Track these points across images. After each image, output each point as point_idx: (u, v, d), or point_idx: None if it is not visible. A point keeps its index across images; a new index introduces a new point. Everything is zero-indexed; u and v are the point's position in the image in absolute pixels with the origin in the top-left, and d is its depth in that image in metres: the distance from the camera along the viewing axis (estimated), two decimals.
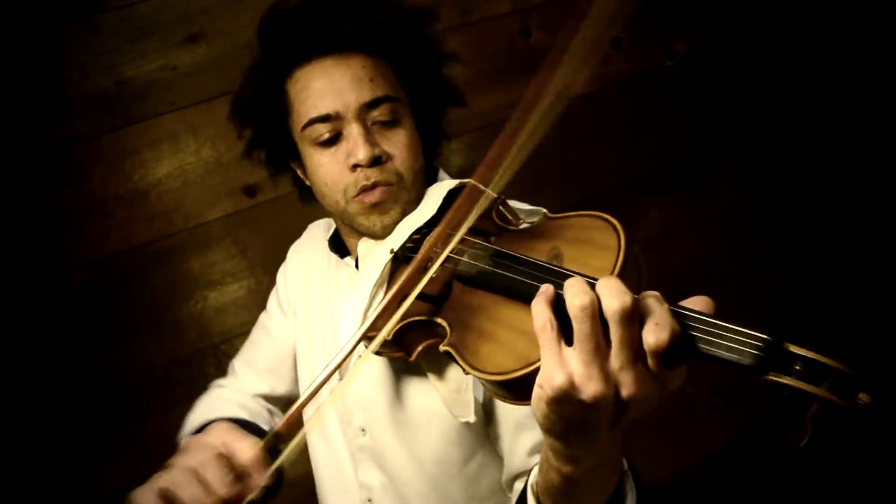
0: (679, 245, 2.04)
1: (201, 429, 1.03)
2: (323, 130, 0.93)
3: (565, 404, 0.53)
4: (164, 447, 1.63)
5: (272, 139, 1.04)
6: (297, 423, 0.74)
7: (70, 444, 1.54)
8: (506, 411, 0.90)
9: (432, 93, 1.04)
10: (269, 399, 1.21)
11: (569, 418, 0.55)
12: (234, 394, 1.19)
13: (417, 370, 0.93)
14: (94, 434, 1.56)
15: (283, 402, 1.21)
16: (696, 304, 0.56)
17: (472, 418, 0.86)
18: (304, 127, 0.94)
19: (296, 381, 1.20)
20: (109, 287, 1.57)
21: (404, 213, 0.96)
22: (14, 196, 1.50)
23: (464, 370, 0.67)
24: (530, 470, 0.82)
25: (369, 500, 1.04)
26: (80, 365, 1.56)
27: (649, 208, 2.01)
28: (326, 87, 0.93)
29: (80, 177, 1.55)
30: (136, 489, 0.70)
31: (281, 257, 1.26)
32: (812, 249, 2.19)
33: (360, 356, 0.78)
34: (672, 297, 0.55)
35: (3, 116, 1.48)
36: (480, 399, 0.89)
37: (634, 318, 0.52)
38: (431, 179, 1.04)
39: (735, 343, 0.52)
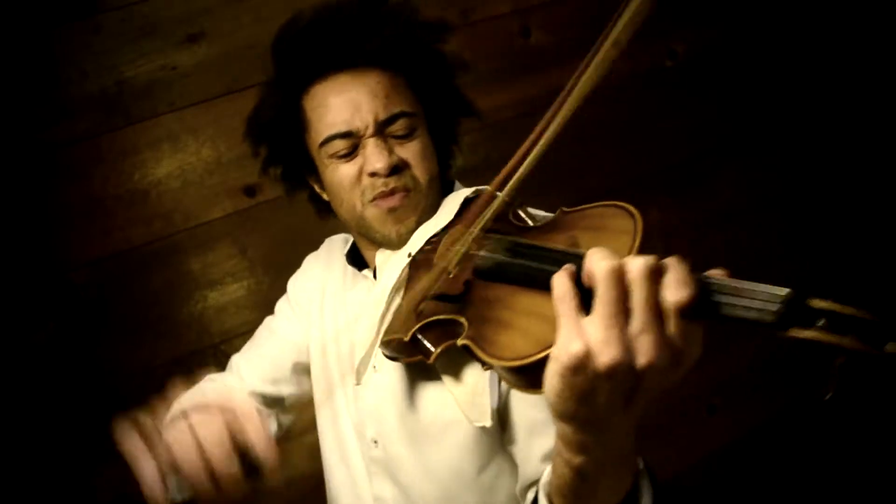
0: (679, 245, 2.04)
1: None
2: (341, 146, 0.95)
3: (580, 375, 0.52)
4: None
5: (288, 156, 1.06)
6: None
7: (70, 443, 1.54)
8: (520, 417, 0.89)
9: (445, 104, 1.06)
10: (262, 399, 1.18)
11: (581, 392, 0.53)
12: (223, 389, 1.17)
13: (431, 378, 0.93)
14: (94, 434, 1.56)
15: (276, 405, 1.20)
16: (713, 274, 0.55)
17: (488, 423, 0.85)
18: (322, 143, 0.96)
19: (293, 382, 1.19)
20: (109, 287, 1.57)
21: (419, 223, 0.97)
22: (14, 196, 1.50)
23: (482, 362, 0.66)
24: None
25: None
26: (80, 365, 1.56)
27: (650, 208, 2.00)
28: (344, 105, 0.94)
29: (80, 177, 1.55)
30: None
31: (281, 257, 1.27)
32: (812, 249, 2.19)
33: (373, 363, 0.78)
34: None
35: (3, 116, 1.48)
36: (495, 405, 0.88)
37: (657, 276, 0.51)
38: (447, 191, 1.05)
39: (755, 300, 0.50)
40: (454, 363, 0.86)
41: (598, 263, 0.52)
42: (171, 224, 1.61)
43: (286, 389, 1.19)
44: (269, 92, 1.04)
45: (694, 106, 2.03)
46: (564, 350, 0.52)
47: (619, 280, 0.51)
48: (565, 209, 0.77)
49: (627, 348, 0.50)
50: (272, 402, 1.19)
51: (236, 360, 1.21)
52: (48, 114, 1.51)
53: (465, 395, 0.86)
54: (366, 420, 1.02)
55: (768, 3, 2.06)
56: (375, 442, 1.01)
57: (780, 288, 0.50)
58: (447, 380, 0.88)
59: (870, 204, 2.22)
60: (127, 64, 1.56)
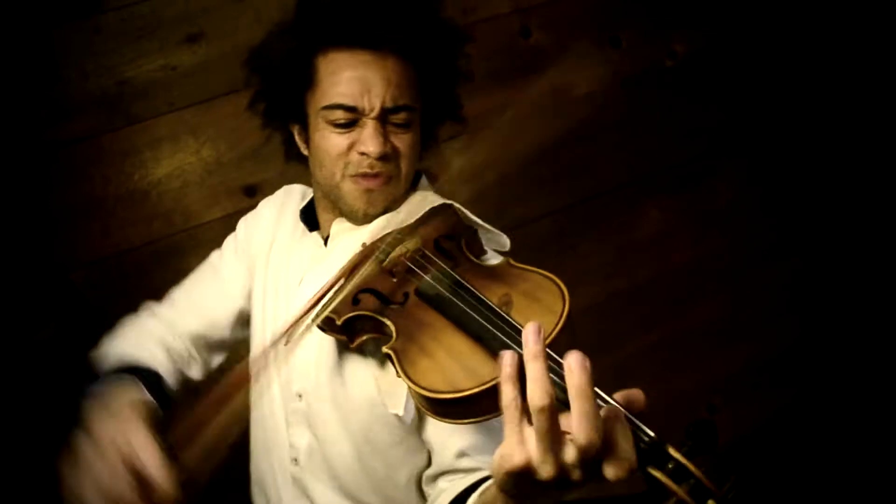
0: (679, 245, 2.04)
1: (118, 371, 1.08)
2: (342, 116, 0.98)
3: (522, 479, 0.59)
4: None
5: (281, 100, 1.07)
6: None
7: (70, 444, 1.54)
8: None
9: (443, 106, 1.11)
10: (196, 341, 1.17)
11: (524, 488, 0.61)
12: (162, 330, 1.15)
13: (361, 354, 0.97)
14: None
15: (208, 348, 1.18)
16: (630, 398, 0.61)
17: (400, 411, 0.90)
18: (326, 107, 0.99)
19: (229, 327, 1.19)
20: (109, 287, 1.58)
21: (387, 210, 1.02)
22: (14, 196, 1.50)
23: (398, 374, 0.74)
24: (457, 471, 0.90)
25: (295, 460, 1.07)
26: (80, 365, 1.56)
27: (649, 208, 2.00)
28: (358, 81, 0.98)
29: (80, 177, 1.55)
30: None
31: None
32: (812, 249, 2.19)
33: (307, 326, 0.88)
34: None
35: (4, 116, 1.48)
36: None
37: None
38: (414, 181, 1.09)
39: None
40: (380, 351, 0.89)
41: (534, 397, 0.56)
42: (171, 224, 1.61)
43: (218, 333, 1.18)
44: (282, 35, 1.04)
45: (694, 106, 2.03)
46: (508, 459, 0.58)
47: (554, 415, 0.56)
48: (511, 262, 0.84)
49: (563, 468, 0.57)
50: (201, 345, 1.18)
51: (176, 294, 1.20)
52: (48, 114, 1.51)
53: (386, 384, 0.91)
54: (293, 375, 1.04)
55: (768, 4, 2.06)
56: (300, 396, 1.04)
57: (649, 430, 0.59)
58: (372, 363, 0.94)
59: (869, 203, 2.22)
60: (127, 64, 1.56)
